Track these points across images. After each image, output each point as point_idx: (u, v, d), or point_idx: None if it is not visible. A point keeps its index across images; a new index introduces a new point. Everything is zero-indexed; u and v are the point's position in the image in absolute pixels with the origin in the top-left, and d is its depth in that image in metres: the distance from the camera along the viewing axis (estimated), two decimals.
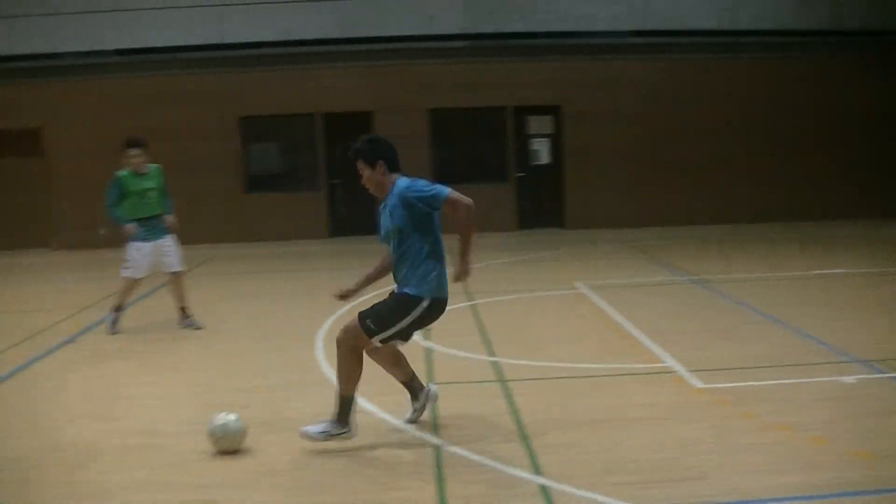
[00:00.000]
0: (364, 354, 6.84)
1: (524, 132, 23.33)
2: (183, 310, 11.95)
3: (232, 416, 6.83)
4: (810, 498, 5.62)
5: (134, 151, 11.48)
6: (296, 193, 23.25)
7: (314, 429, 6.80)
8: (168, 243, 11.74)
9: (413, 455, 6.68)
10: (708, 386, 8.18)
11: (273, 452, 6.80)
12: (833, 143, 22.99)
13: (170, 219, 11.75)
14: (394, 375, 7.37)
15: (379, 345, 6.79)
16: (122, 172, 11.58)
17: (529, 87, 22.82)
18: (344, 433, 6.79)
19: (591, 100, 22.72)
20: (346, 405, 6.78)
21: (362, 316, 6.70)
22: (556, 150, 23.26)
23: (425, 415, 7.52)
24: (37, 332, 11.98)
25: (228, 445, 6.77)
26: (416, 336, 10.66)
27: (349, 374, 6.72)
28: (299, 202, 23.20)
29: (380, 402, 7.95)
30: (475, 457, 6.52)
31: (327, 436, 6.76)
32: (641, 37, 22.73)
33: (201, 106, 22.48)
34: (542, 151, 23.40)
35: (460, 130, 23.21)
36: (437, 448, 6.78)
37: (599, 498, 5.68)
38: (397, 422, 7.44)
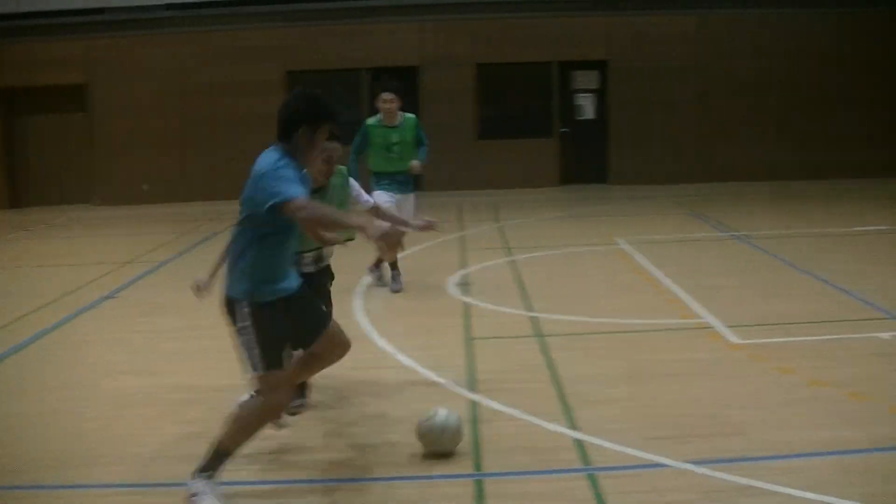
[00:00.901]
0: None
1: (570, 87, 23.17)
2: (383, 264, 11.28)
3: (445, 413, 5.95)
4: (848, 453, 5.61)
5: (387, 96, 10.76)
6: (346, 147, 23.10)
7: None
8: (409, 201, 10.97)
9: (449, 408, 6.69)
10: (745, 342, 8.16)
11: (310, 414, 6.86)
12: (887, 99, 22.46)
13: (415, 164, 10.89)
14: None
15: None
16: (371, 120, 10.95)
17: (577, 41, 22.57)
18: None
19: (638, 55, 22.41)
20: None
21: None
22: (602, 105, 23.11)
23: (464, 368, 7.63)
24: (79, 286, 12.09)
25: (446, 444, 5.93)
26: (455, 290, 10.76)
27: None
28: (345, 159, 23.04)
29: (417, 356, 8.04)
30: (512, 411, 6.57)
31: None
32: None
33: (247, 61, 22.28)
34: (586, 107, 23.24)
35: (506, 85, 23.06)
36: (473, 402, 6.83)
37: (635, 453, 5.71)
38: (434, 376, 7.50)
